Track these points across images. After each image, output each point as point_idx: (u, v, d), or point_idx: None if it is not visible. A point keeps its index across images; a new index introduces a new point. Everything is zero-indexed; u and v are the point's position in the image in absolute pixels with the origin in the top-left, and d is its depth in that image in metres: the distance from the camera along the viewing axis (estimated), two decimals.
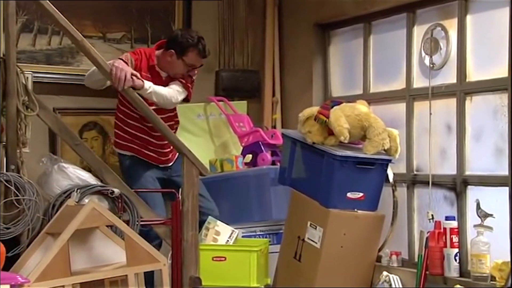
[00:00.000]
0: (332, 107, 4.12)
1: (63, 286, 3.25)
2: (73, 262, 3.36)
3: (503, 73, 3.51)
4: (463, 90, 3.81)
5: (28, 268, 3.37)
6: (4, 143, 3.66)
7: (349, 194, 4.04)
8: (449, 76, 3.90)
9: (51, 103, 4.14)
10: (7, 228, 3.53)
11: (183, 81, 4.10)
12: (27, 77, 3.74)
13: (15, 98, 3.63)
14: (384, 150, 4.06)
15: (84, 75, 4.11)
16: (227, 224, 4.13)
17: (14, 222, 3.56)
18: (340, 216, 3.98)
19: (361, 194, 4.06)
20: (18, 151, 3.67)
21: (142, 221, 3.91)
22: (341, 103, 4.16)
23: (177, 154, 4.10)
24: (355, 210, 4.06)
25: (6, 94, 3.63)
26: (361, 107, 4.15)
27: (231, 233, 4.05)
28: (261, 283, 3.92)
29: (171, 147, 4.11)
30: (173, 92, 4.04)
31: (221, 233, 4.06)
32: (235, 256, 3.91)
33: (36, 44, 4.42)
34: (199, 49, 4.07)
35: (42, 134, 4.27)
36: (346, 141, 4.01)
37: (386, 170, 4.12)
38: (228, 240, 4.03)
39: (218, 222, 4.07)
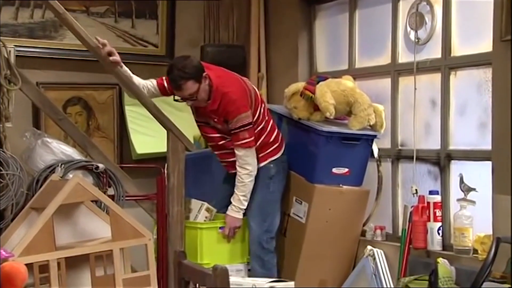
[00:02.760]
0: (318, 82, 4.11)
1: (47, 260, 3.25)
2: (58, 237, 3.35)
3: (488, 47, 3.52)
4: (448, 65, 3.81)
5: (12, 243, 3.37)
6: None
7: (334, 170, 4.06)
8: (434, 51, 3.90)
9: (34, 78, 4.10)
10: None
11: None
12: (9, 51, 3.70)
13: None
14: (370, 125, 4.07)
15: (68, 49, 4.08)
16: (210, 200, 4.12)
17: None
18: (325, 191, 4.00)
19: (346, 170, 4.08)
20: (0, 125, 3.65)
21: (127, 196, 3.91)
22: (327, 78, 4.16)
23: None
24: (340, 185, 4.08)
25: None
26: (347, 82, 4.15)
27: (200, 207, 4.05)
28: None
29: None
30: None
31: (192, 209, 4.06)
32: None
33: (18, 18, 4.37)
34: (169, 79, 3.79)
35: (25, 109, 4.24)
36: (332, 117, 4.01)
37: (371, 145, 4.14)
38: (197, 214, 4.03)
39: (192, 200, 4.06)
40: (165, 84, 3.91)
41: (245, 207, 3.87)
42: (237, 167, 3.84)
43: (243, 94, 3.82)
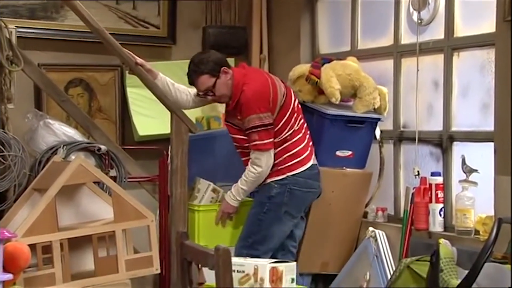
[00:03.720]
0: (323, 64, 4.10)
1: (50, 241, 3.26)
2: (60, 218, 3.36)
3: (491, 28, 3.50)
4: (451, 45, 3.80)
5: (15, 224, 3.37)
6: None
7: (338, 152, 4.06)
8: (436, 32, 3.89)
9: (35, 59, 4.08)
10: None
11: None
12: (11, 32, 3.69)
13: None
14: (374, 108, 4.06)
15: (70, 30, 4.06)
16: (213, 181, 4.13)
17: (0, 178, 3.55)
18: (329, 174, 4.00)
19: (350, 152, 4.08)
20: (2, 106, 3.65)
21: (129, 177, 3.92)
22: (332, 60, 4.14)
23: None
24: (344, 168, 4.08)
25: None
26: (352, 64, 4.13)
27: (207, 187, 4.06)
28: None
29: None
30: None
31: (200, 189, 4.07)
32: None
33: None
34: (187, 75, 3.78)
35: (27, 90, 4.23)
36: (337, 102, 4.00)
37: (375, 128, 4.13)
38: (203, 195, 4.05)
39: (201, 180, 4.07)
40: None
41: (241, 199, 3.79)
42: (249, 164, 3.71)
43: (261, 95, 3.63)
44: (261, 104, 3.62)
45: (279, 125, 3.68)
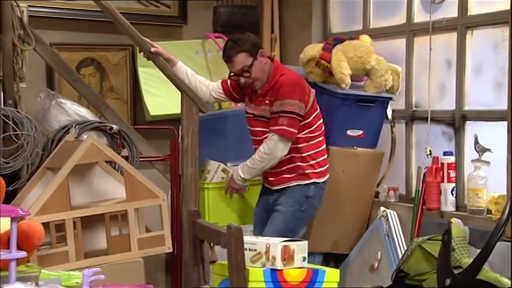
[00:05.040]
0: (335, 46, 4.06)
1: (63, 220, 3.29)
2: (73, 197, 3.39)
3: (505, 5, 3.46)
4: (464, 24, 3.76)
5: (28, 202, 3.40)
6: (0, 78, 3.64)
7: (349, 132, 4.05)
8: (450, 10, 3.85)
9: (47, 38, 4.09)
10: (7, 163, 3.55)
11: None
12: (23, 11, 3.69)
13: (11, 31, 3.60)
14: (386, 90, 4.04)
15: (81, 9, 4.04)
16: (224, 162, 4.14)
17: (13, 157, 3.57)
18: (340, 154, 4.00)
19: (361, 132, 4.07)
20: (15, 86, 3.66)
21: (140, 157, 3.93)
22: (344, 40, 4.11)
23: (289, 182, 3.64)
24: (355, 147, 4.07)
25: (1, 28, 3.58)
26: (365, 44, 4.07)
27: (217, 168, 4.06)
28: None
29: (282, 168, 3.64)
30: None
31: (210, 170, 4.08)
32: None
33: None
34: (223, 53, 3.70)
35: (39, 70, 4.24)
36: (347, 88, 3.96)
37: (387, 107, 4.11)
38: (214, 175, 4.05)
39: (211, 161, 4.07)
40: (228, 82, 3.79)
41: (246, 179, 3.70)
42: (262, 144, 3.57)
43: (300, 85, 3.58)
44: (300, 92, 3.55)
45: (308, 120, 3.61)
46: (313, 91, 3.69)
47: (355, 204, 4.12)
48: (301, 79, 3.68)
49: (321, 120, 3.72)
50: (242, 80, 3.65)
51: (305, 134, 3.62)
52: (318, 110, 3.71)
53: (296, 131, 3.56)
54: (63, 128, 3.75)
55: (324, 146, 3.73)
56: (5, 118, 3.55)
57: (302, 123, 3.59)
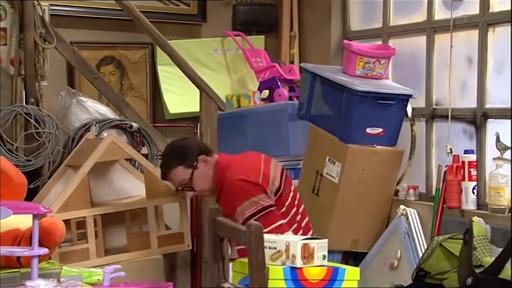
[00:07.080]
0: None
1: (84, 217, 3.31)
2: (93, 194, 3.41)
3: None
4: (486, 21, 3.73)
5: (49, 200, 3.44)
6: (22, 76, 3.68)
7: (368, 130, 4.02)
8: (471, 7, 3.81)
9: (68, 37, 4.12)
10: (28, 161, 3.59)
11: None
12: (44, 9, 3.72)
13: (32, 30, 3.63)
14: None
15: (102, 8, 4.05)
16: None
17: (34, 154, 3.61)
18: (359, 152, 3.98)
19: (381, 130, 4.04)
20: (36, 84, 3.70)
21: (160, 155, 3.94)
22: None
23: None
24: (374, 145, 4.05)
25: (23, 27, 3.62)
26: None
27: None
28: None
29: None
30: None
31: None
32: None
33: None
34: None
35: (60, 68, 4.27)
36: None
37: (407, 105, 4.09)
38: None
39: None
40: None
41: None
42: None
43: (249, 182, 3.05)
44: (249, 188, 3.03)
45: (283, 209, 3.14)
46: (277, 166, 3.23)
47: (374, 202, 4.10)
48: (248, 171, 3.10)
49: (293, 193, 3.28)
50: (189, 194, 3.32)
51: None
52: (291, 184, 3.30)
53: (279, 217, 3.09)
54: (84, 126, 3.78)
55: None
56: (27, 116, 3.59)
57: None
